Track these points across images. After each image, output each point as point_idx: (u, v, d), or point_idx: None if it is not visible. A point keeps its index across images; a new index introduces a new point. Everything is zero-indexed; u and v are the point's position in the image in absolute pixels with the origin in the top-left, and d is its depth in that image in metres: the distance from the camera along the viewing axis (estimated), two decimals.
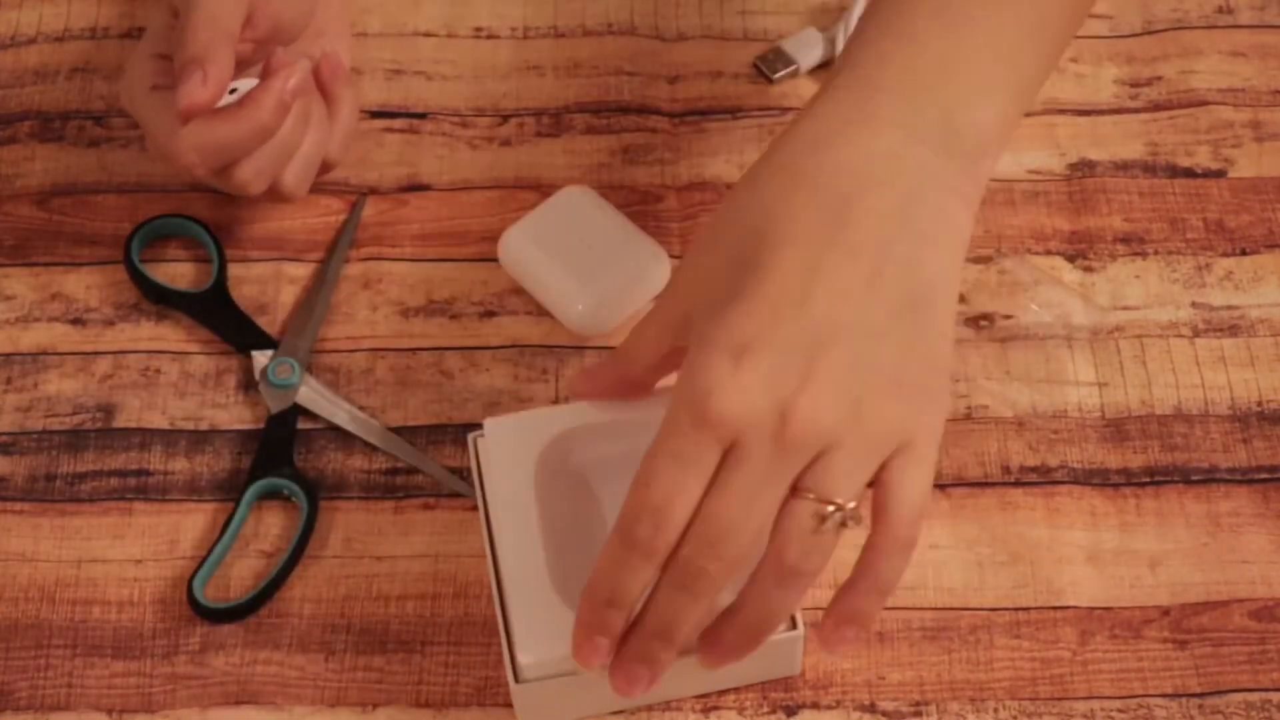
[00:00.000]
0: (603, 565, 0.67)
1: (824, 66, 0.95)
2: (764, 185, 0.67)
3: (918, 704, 0.76)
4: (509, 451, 0.75)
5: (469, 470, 0.79)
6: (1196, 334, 0.86)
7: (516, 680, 0.71)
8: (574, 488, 0.77)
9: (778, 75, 0.94)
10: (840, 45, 0.94)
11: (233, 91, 0.80)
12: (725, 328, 0.64)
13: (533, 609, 0.71)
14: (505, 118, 0.93)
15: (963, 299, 0.85)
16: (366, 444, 0.82)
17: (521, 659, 0.71)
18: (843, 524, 0.64)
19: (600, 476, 0.77)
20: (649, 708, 0.75)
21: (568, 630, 0.68)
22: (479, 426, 0.77)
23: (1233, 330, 0.86)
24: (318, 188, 0.88)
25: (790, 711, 0.75)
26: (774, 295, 0.64)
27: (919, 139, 0.67)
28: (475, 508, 0.77)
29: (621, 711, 0.75)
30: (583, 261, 0.85)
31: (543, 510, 0.74)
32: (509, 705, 0.75)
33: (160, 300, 0.86)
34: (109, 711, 0.75)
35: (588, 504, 0.77)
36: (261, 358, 0.84)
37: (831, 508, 0.64)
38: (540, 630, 0.71)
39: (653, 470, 0.65)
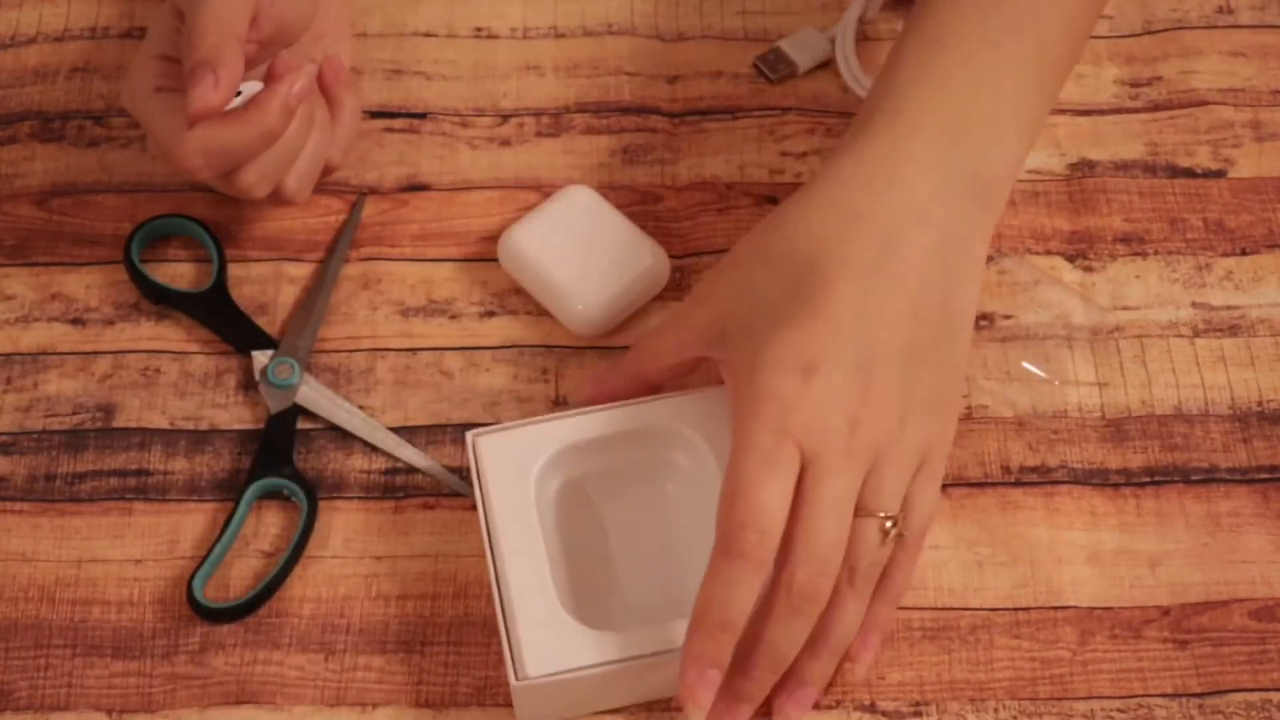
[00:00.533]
0: (711, 587, 0.68)
1: (823, 67, 0.95)
2: (818, 218, 0.72)
3: (918, 704, 0.75)
4: (506, 462, 0.76)
5: (468, 470, 0.79)
6: (1196, 334, 0.86)
7: (517, 680, 0.71)
8: (571, 497, 0.78)
9: (777, 75, 0.94)
10: (840, 45, 0.94)
11: (237, 95, 0.80)
12: (793, 347, 0.69)
13: (535, 613, 0.72)
14: (505, 118, 0.93)
15: None
16: (366, 444, 0.82)
17: (529, 664, 0.71)
18: (899, 535, 0.69)
19: (595, 488, 0.79)
20: (648, 708, 0.75)
21: (569, 632, 0.71)
22: (480, 427, 0.78)
23: (1233, 330, 0.86)
24: (318, 188, 0.88)
25: None
26: (835, 319, 0.70)
27: (953, 184, 0.73)
28: (474, 507, 0.77)
29: (619, 711, 0.75)
30: (583, 262, 0.85)
31: (542, 517, 0.75)
32: (509, 705, 0.75)
33: (160, 300, 0.86)
34: (109, 711, 0.75)
35: (586, 513, 0.78)
36: (261, 358, 0.84)
37: (890, 521, 0.70)
38: (543, 633, 0.72)
39: (745, 481, 0.68)
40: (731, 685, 0.71)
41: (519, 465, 0.76)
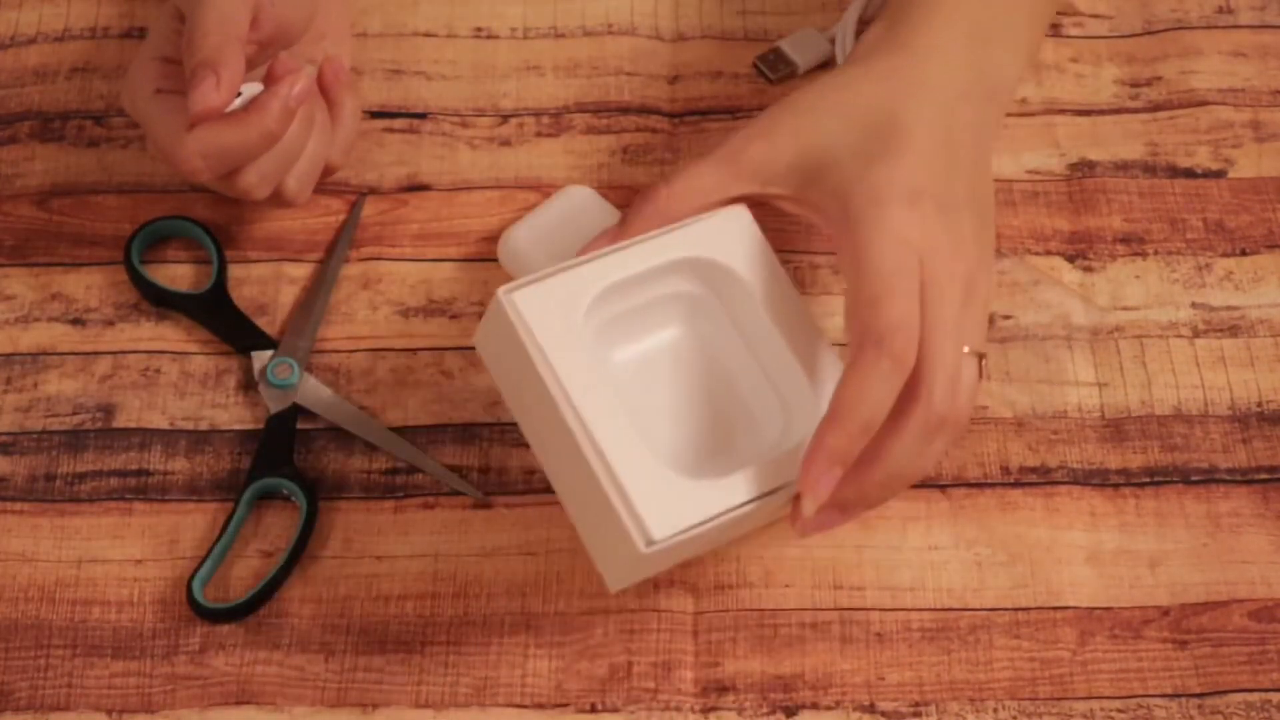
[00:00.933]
0: (860, 386, 0.69)
1: (823, 67, 0.95)
2: (887, 82, 0.76)
3: (917, 704, 0.76)
4: (550, 314, 0.71)
5: (469, 469, 0.79)
6: (1196, 334, 0.86)
7: (645, 548, 0.68)
8: (610, 340, 0.76)
9: (777, 75, 0.94)
10: (840, 45, 0.94)
11: (238, 96, 0.80)
12: (898, 177, 0.73)
13: (640, 472, 0.69)
14: (505, 118, 0.93)
15: None
16: (366, 444, 0.82)
17: (653, 529, 0.68)
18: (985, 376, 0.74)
19: (633, 328, 0.76)
20: (648, 708, 0.75)
21: (679, 487, 0.69)
22: (480, 426, 0.77)
23: (1233, 330, 0.86)
24: (318, 188, 0.88)
25: (790, 712, 0.75)
26: (924, 160, 0.74)
27: (979, 83, 0.78)
28: (480, 501, 0.77)
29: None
30: None
31: (605, 368, 0.73)
32: (509, 705, 0.75)
33: (160, 302, 0.86)
34: (109, 712, 0.75)
35: (631, 356, 0.77)
36: (261, 358, 0.84)
37: (983, 359, 0.73)
38: (654, 492, 0.69)
39: (888, 286, 0.70)
40: (854, 486, 0.70)
41: (564, 315, 0.71)
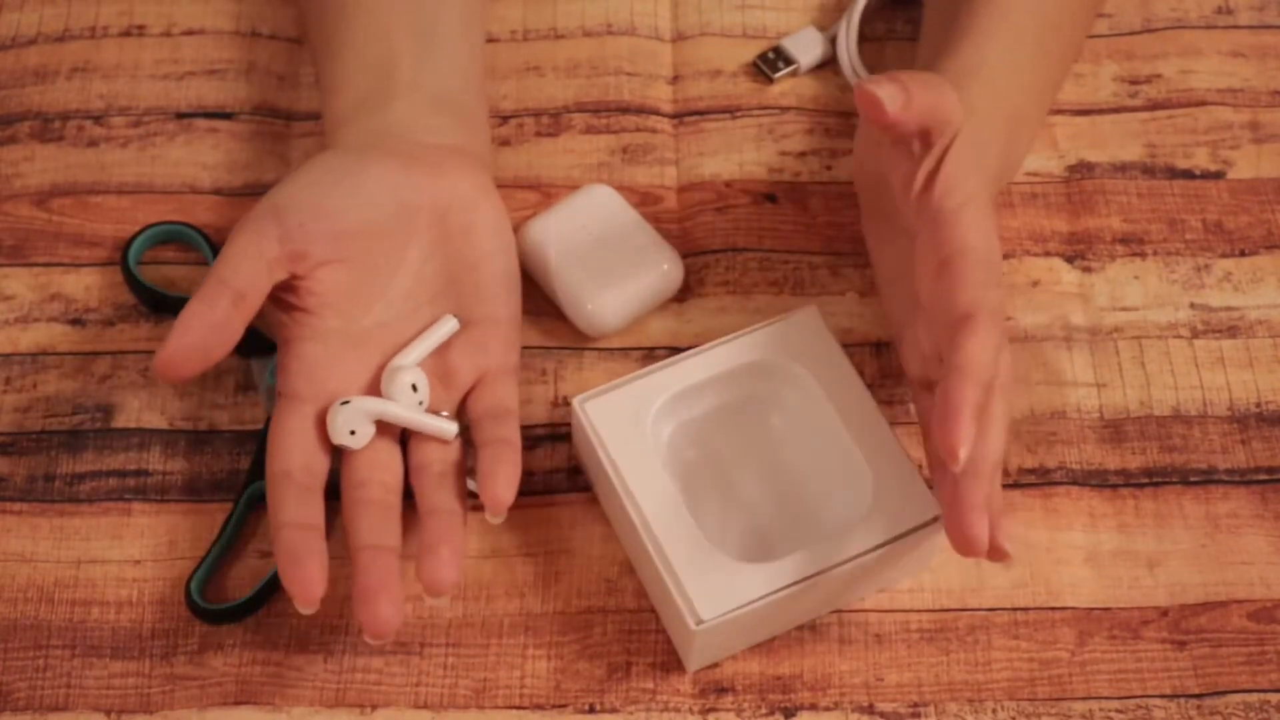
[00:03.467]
0: (982, 346, 0.70)
1: (824, 66, 0.95)
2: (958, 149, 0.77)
3: (916, 705, 0.76)
4: (618, 420, 0.77)
5: (469, 468, 0.79)
6: (1195, 335, 0.86)
7: (695, 626, 0.72)
8: (683, 441, 0.80)
9: (778, 75, 0.94)
10: (842, 44, 0.94)
11: (344, 403, 0.75)
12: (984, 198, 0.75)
13: (692, 557, 0.74)
14: (505, 118, 0.93)
15: None
16: None
17: (702, 608, 0.72)
18: None
19: (705, 429, 0.80)
20: (646, 709, 0.75)
21: (730, 570, 0.73)
22: None
23: (1231, 331, 0.86)
24: None
25: (789, 713, 0.75)
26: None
27: (1003, 177, 0.83)
28: (475, 507, 0.77)
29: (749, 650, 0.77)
30: (598, 261, 0.84)
31: (666, 469, 0.77)
32: (508, 707, 0.75)
33: (158, 308, 0.86)
34: (107, 712, 0.75)
35: (700, 454, 0.80)
36: (261, 359, 0.84)
37: None
38: (706, 576, 0.73)
39: (991, 268, 0.73)
40: (979, 490, 0.71)
41: (631, 421, 0.77)
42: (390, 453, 0.77)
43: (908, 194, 0.75)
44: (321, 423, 0.76)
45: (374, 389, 0.77)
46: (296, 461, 0.74)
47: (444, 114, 0.83)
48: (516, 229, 0.84)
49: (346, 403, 0.75)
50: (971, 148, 0.75)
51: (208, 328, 0.72)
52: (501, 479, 0.74)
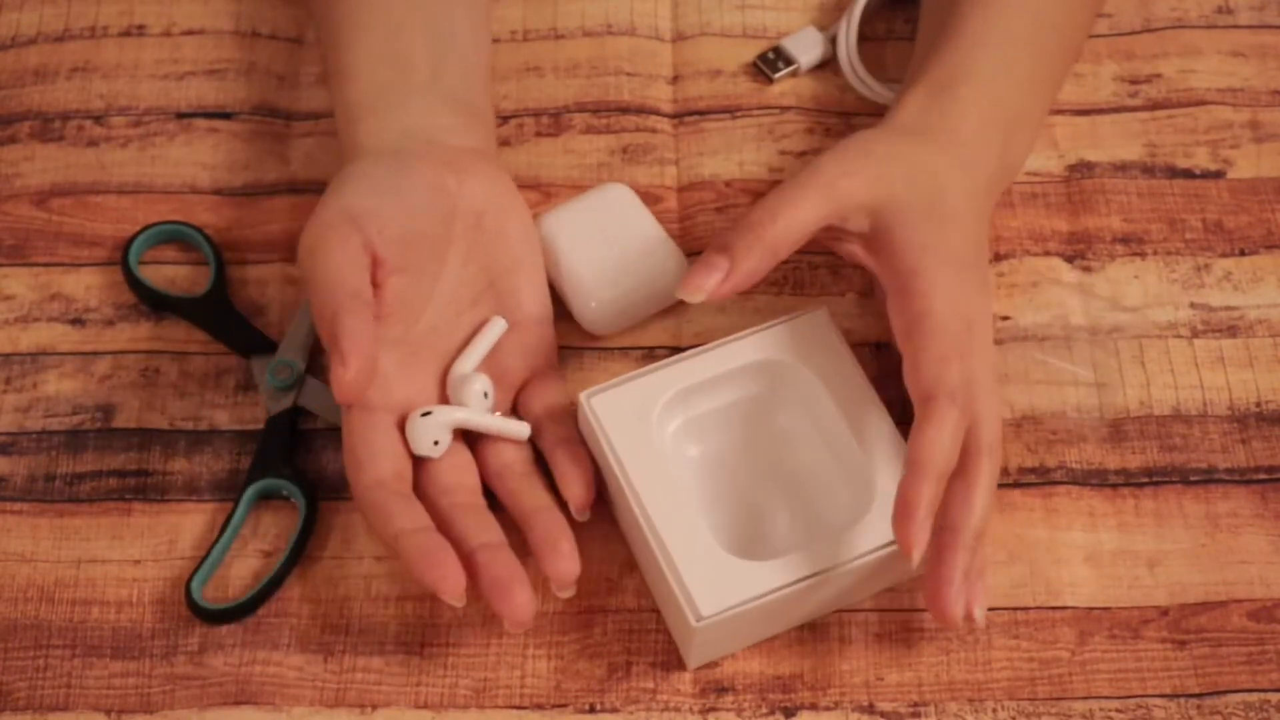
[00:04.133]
0: (935, 439, 0.71)
1: (824, 66, 0.95)
2: (940, 158, 0.79)
3: (916, 705, 0.76)
4: (623, 416, 0.77)
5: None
6: (1195, 334, 0.85)
7: (696, 622, 0.72)
8: (687, 438, 0.80)
9: (778, 75, 0.94)
10: (842, 44, 0.94)
11: (426, 414, 0.76)
12: (954, 246, 0.77)
13: (694, 554, 0.74)
14: (505, 119, 0.93)
15: None
16: None
17: (702, 604, 0.73)
18: None
19: (709, 427, 0.80)
20: (646, 709, 0.75)
21: (731, 567, 0.73)
22: None
23: (1231, 331, 0.86)
24: (319, 189, 0.88)
25: (789, 712, 0.75)
26: (967, 236, 0.78)
27: (1000, 182, 0.83)
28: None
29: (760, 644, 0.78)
30: (606, 259, 0.84)
31: (670, 465, 0.77)
32: (508, 707, 0.75)
33: (159, 307, 0.86)
34: (107, 712, 0.75)
35: (705, 452, 0.81)
36: (261, 359, 0.84)
37: None
38: (707, 572, 0.73)
39: (953, 346, 0.73)
40: (957, 565, 0.72)
41: (637, 417, 0.77)
42: (465, 456, 0.78)
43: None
44: (400, 430, 0.76)
45: (440, 395, 0.79)
46: (388, 470, 0.75)
47: (459, 114, 0.84)
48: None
49: (428, 413, 0.76)
50: (923, 221, 0.77)
51: (369, 341, 0.73)
52: (580, 479, 0.77)
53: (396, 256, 0.77)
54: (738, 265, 0.76)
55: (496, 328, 0.80)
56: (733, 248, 0.76)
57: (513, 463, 0.78)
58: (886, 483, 0.75)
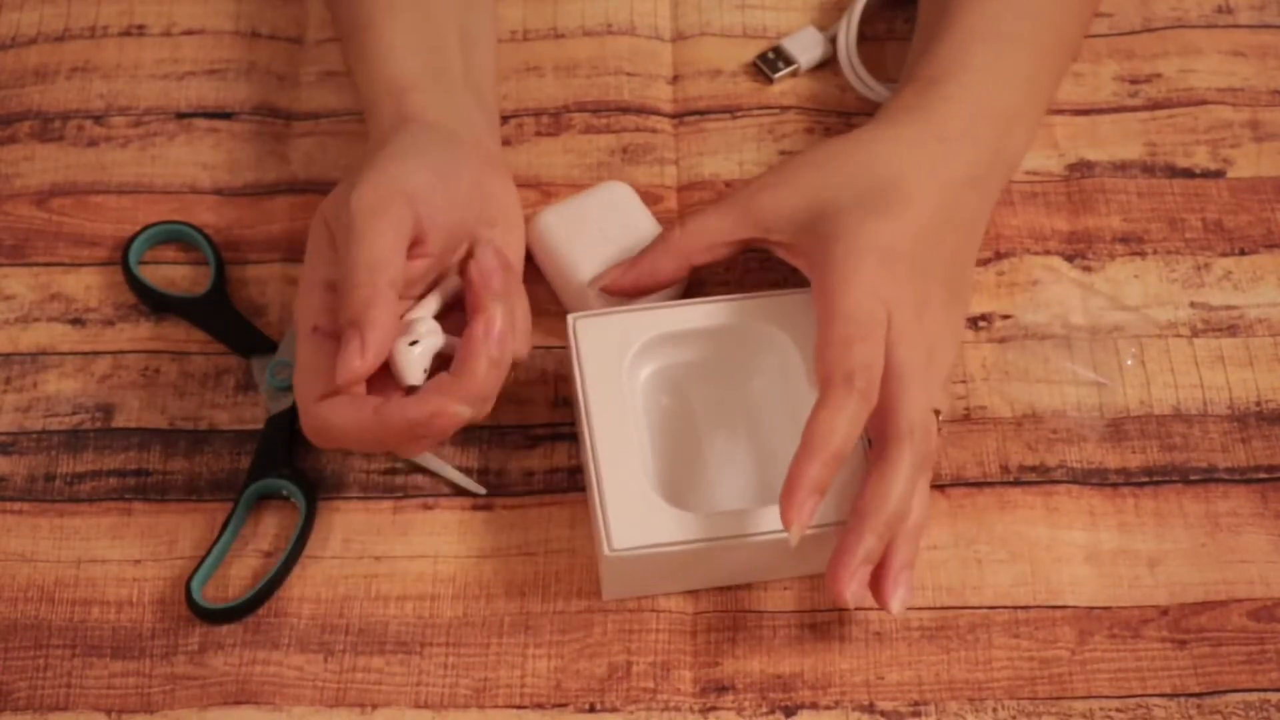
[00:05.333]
0: (829, 420, 0.72)
1: (824, 66, 0.95)
2: (904, 150, 0.80)
3: (916, 704, 0.76)
4: (602, 344, 0.79)
5: (468, 469, 0.79)
6: (1195, 334, 0.86)
7: (609, 551, 0.74)
8: (660, 384, 0.81)
9: (778, 75, 0.94)
10: (842, 44, 0.94)
11: (413, 343, 0.74)
12: (888, 235, 0.76)
13: (626, 489, 0.75)
14: (505, 118, 0.93)
15: None
16: None
17: (616, 537, 0.74)
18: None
19: (684, 378, 0.82)
20: (647, 708, 0.75)
21: (657, 510, 0.74)
22: (479, 428, 0.78)
23: (1231, 330, 0.86)
24: (319, 189, 0.89)
25: (789, 712, 0.75)
26: (916, 225, 0.77)
27: (994, 170, 0.83)
28: (480, 500, 0.78)
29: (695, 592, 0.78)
30: (605, 258, 0.84)
31: (633, 399, 0.79)
32: (508, 706, 0.75)
33: (159, 307, 0.86)
34: (108, 712, 0.75)
35: (674, 401, 0.82)
36: (261, 359, 0.84)
37: (941, 416, 0.77)
38: (632, 508, 0.74)
39: (858, 329, 0.73)
40: (858, 551, 0.72)
41: (615, 349, 0.79)
42: None
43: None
44: None
45: None
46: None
47: (484, 113, 0.84)
48: (527, 220, 0.84)
49: (415, 342, 0.75)
50: (854, 210, 0.77)
51: (392, 337, 0.73)
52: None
53: (433, 242, 0.76)
54: (640, 261, 0.81)
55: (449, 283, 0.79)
56: (647, 248, 0.81)
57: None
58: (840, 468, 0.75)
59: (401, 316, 0.76)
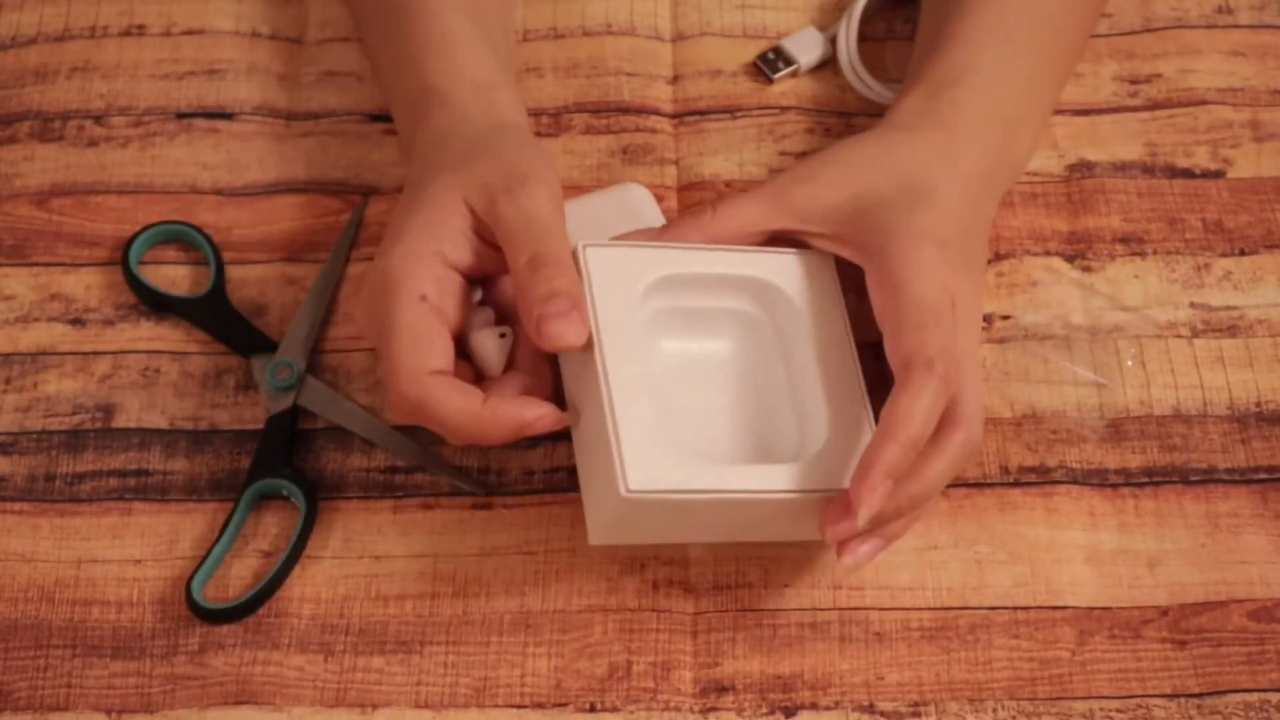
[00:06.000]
0: (912, 405, 0.71)
1: (824, 66, 0.95)
2: (929, 153, 0.80)
3: (916, 704, 0.76)
4: (614, 276, 0.76)
5: (468, 469, 0.79)
6: (1195, 334, 0.86)
7: (625, 492, 0.70)
8: (665, 326, 0.79)
9: (778, 75, 0.94)
10: (842, 44, 0.94)
11: (502, 335, 0.77)
12: (934, 225, 0.77)
13: (643, 428, 0.72)
14: None
15: None
16: (365, 443, 0.82)
17: (634, 479, 0.70)
18: None
19: (690, 323, 0.79)
20: (647, 708, 0.75)
21: (676, 455, 0.72)
22: None
23: (1231, 330, 0.86)
24: (319, 189, 0.89)
25: (789, 712, 0.75)
26: (953, 215, 0.78)
27: (998, 172, 0.83)
28: (479, 500, 0.79)
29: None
30: None
31: (647, 338, 0.76)
32: (508, 706, 0.75)
33: (159, 307, 0.86)
34: (108, 712, 0.75)
35: (678, 344, 0.79)
36: (261, 359, 0.84)
37: None
38: (650, 450, 0.71)
39: (934, 316, 0.73)
40: (882, 461, 0.71)
41: (627, 281, 0.76)
42: None
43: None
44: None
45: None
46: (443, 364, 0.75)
47: (521, 116, 0.84)
48: None
49: (504, 334, 0.77)
50: (897, 205, 0.77)
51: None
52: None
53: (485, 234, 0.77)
54: (665, 234, 0.79)
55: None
56: (674, 223, 0.80)
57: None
58: (835, 435, 0.75)
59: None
